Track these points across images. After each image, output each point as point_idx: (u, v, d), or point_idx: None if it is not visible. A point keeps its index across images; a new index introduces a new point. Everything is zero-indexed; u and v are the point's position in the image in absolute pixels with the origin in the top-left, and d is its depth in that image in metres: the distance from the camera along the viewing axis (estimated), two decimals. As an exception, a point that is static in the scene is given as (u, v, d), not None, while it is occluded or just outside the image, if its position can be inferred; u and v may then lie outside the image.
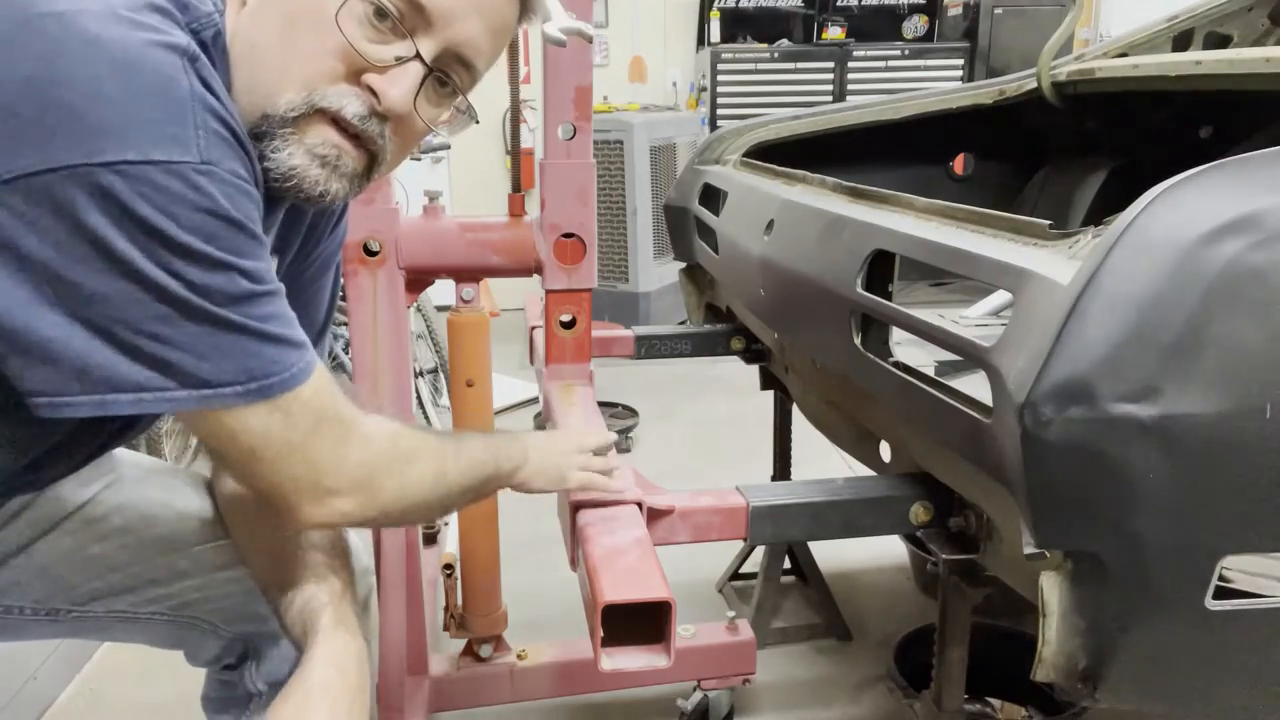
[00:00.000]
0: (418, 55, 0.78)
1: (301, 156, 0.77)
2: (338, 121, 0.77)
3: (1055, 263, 0.85)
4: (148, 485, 1.02)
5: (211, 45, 0.74)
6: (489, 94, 0.86)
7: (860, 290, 1.13)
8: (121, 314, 0.66)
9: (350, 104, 0.77)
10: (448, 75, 0.81)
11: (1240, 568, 1.05)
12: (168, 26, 0.69)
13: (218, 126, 0.69)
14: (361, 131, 0.78)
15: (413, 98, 0.78)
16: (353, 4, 0.75)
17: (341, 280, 1.19)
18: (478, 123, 0.89)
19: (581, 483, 1.07)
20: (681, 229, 2.01)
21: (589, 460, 1.09)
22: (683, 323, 2.25)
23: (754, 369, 1.99)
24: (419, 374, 3.16)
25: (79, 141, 0.63)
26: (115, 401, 0.69)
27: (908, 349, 1.22)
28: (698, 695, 1.72)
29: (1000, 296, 1.91)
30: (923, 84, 4.71)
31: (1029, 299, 0.84)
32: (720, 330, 1.95)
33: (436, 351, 3.23)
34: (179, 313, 0.68)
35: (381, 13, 0.76)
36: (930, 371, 1.10)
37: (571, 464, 1.07)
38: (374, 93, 0.77)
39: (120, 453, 1.02)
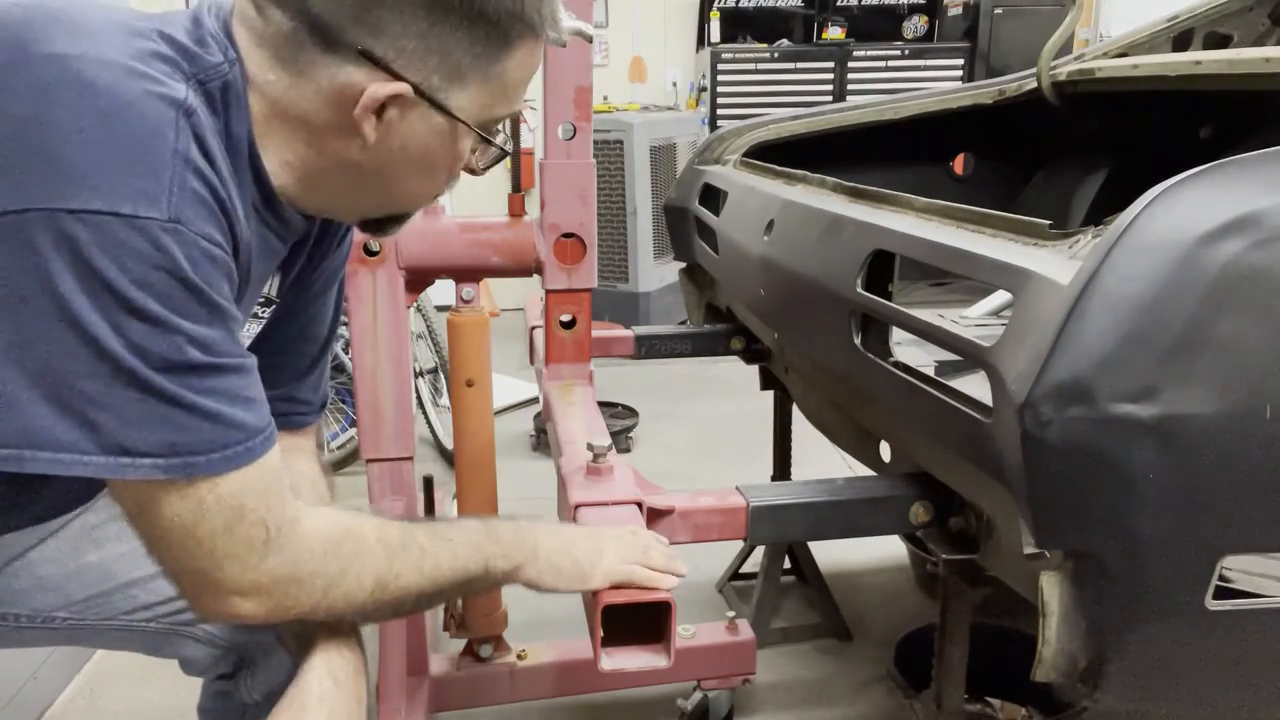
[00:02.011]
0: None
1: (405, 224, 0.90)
2: None
3: (1055, 263, 0.85)
4: None
5: (219, 97, 0.72)
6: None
7: (860, 290, 1.13)
8: (56, 364, 0.64)
9: (452, 183, 0.87)
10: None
11: (1240, 568, 1.05)
12: (170, 77, 0.69)
13: (198, 186, 0.67)
14: None
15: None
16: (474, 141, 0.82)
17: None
18: (508, 154, 0.93)
19: (616, 579, 0.93)
20: (681, 229, 2.01)
21: (634, 565, 0.95)
22: (683, 323, 2.25)
23: (754, 369, 1.99)
24: (419, 374, 3.16)
25: (52, 184, 0.62)
26: (33, 459, 0.66)
27: (908, 349, 1.22)
28: (698, 695, 1.72)
29: (1000, 296, 1.91)
30: (923, 84, 4.71)
31: (1029, 299, 0.84)
32: (720, 330, 1.95)
33: (436, 351, 3.23)
34: (114, 372, 0.65)
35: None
36: (930, 371, 1.10)
37: (602, 564, 0.94)
38: (468, 168, 0.86)
39: None
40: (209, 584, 0.75)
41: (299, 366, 1.04)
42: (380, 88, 0.73)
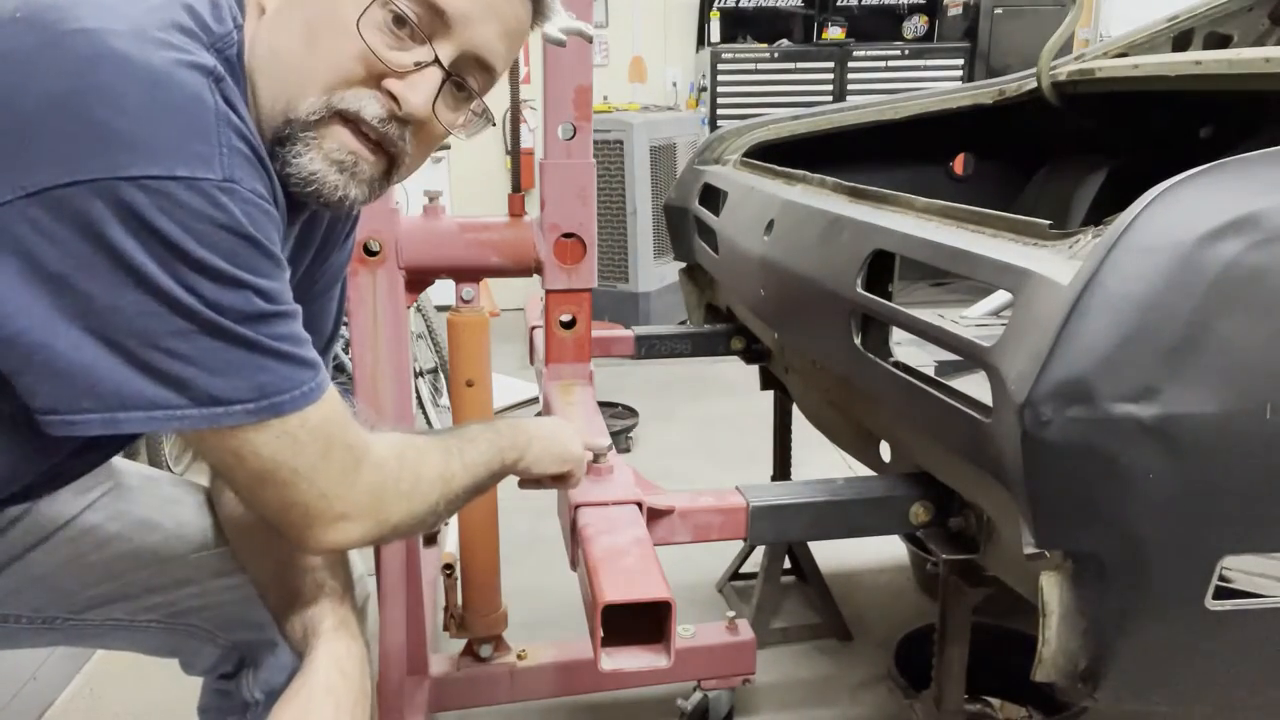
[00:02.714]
0: (436, 60, 0.78)
1: (320, 162, 0.78)
2: (357, 126, 0.78)
3: (1055, 263, 0.85)
4: (145, 493, 1.02)
5: (236, 64, 0.74)
6: (489, 94, 0.87)
7: (860, 290, 1.13)
8: (136, 327, 0.66)
9: (369, 106, 0.77)
10: (465, 80, 0.82)
11: (1240, 568, 1.05)
12: (194, 47, 0.70)
13: (241, 145, 0.70)
14: (382, 135, 0.79)
15: (432, 102, 0.79)
16: (373, 11, 0.75)
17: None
18: (494, 125, 0.90)
19: (588, 448, 1.09)
20: (681, 229, 2.01)
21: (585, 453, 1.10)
22: (683, 323, 2.25)
23: (754, 369, 1.99)
24: (419, 374, 3.16)
25: (104, 155, 0.63)
26: (127, 419, 0.68)
27: (908, 349, 1.22)
28: (698, 695, 1.72)
29: (1000, 296, 1.91)
30: (923, 84, 4.71)
31: (1029, 299, 0.84)
32: (720, 330, 1.95)
33: (436, 351, 3.23)
34: (194, 328, 0.67)
35: (400, 19, 0.76)
36: (930, 371, 1.10)
37: (575, 446, 1.06)
38: (394, 98, 0.78)
39: (118, 461, 1.02)
40: (315, 514, 0.79)
41: None
42: None
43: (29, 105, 0.64)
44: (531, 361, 1.77)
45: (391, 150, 0.80)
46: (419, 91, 0.78)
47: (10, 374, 0.69)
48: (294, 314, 0.75)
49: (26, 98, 0.64)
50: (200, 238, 0.66)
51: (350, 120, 0.77)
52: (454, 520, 1.91)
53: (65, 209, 0.63)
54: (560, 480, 1.06)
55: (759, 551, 2.21)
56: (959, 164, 2.29)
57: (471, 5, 0.78)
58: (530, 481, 1.05)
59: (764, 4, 5.15)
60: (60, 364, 0.66)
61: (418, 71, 0.78)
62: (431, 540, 2.17)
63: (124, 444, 0.95)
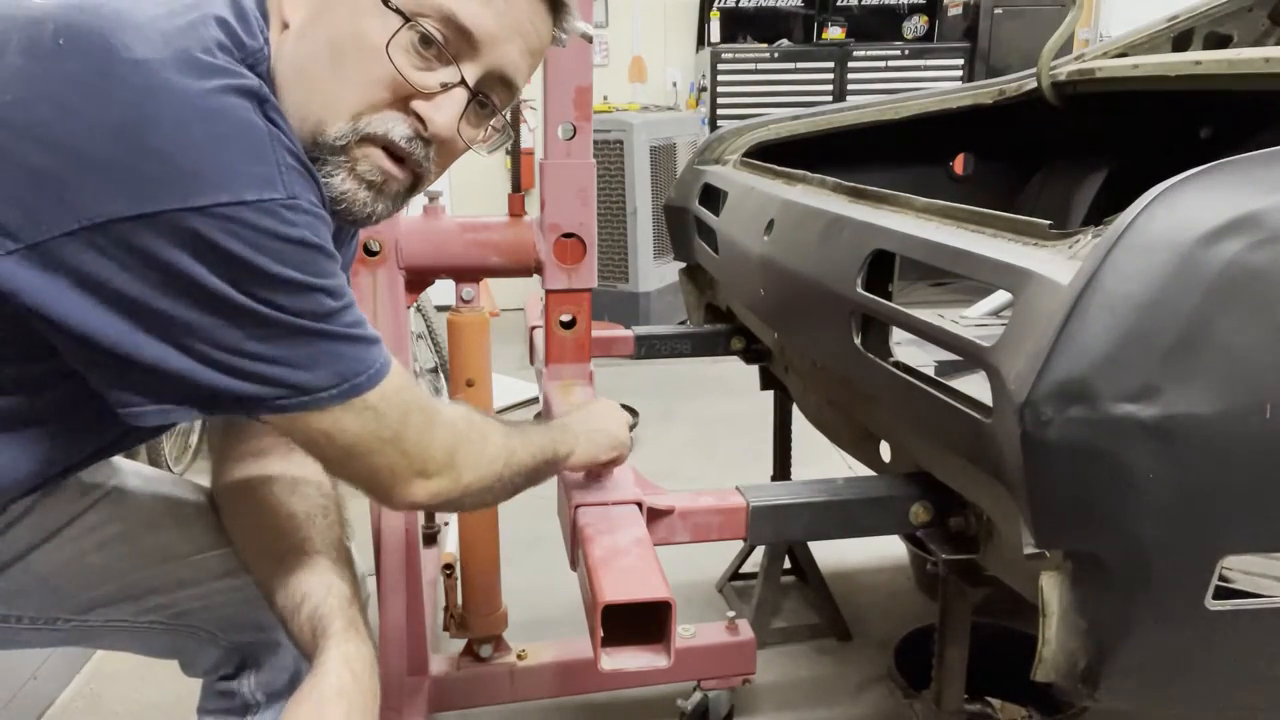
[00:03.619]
0: (462, 81, 0.80)
1: (351, 182, 0.80)
2: (385, 145, 0.80)
3: (1055, 263, 0.85)
4: (147, 494, 1.02)
5: (268, 79, 0.76)
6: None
7: (860, 290, 1.13)
8: (217, 339, 0.71)
9: (397, 128, 0.79)
10: (489, 98, 0.84)
11: (1240, 568, 1.05)
12: (235, 66, 0.72)
13: (292, 161, 0.73)
14: (407, 154, 0.81)
15: (457, 123, 0.81)
16: (400, 33, 0.76)
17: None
18: (514, 138, 0.91)
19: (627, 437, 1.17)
20: (681, 229, 2.01)
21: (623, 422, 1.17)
22: (683, 323, 2.25)
23: (754, 369, 1.99)
24: (419, 374, 3.16)
25: (171, 187, 0.66)
26: (217, 408, 0.75)
27: (908, 349, 1.22)
28: (698, 695, 1.72)
29: (1000, 296, 1.91)
30: (923, 84, 4.71)
31: (1029, 299, 0.84)
32: (720, 330, 1.95)
33: (436, 351, 3.23)
34: (276, 332, 0.72)
35: (427, 40, 0.77)
36: (930, 371, 1.10)
37: (615, 426, 1.14)
38: (420, 118, 0.79)
39: (120, 461, 1.02)
40: (401, 474, 0.86)
41: None
42: None
43: (83, 136, 0.65)
44: (531, 361, 1.77)
45: (417, 170, 0.83)
46: (445, 113, 0.79)
47: (92, 375, 0.73)
48: (354, 300, 0.80)
49: (80, 129, 0.65)
50: (274, 255, 0.70)
51: (379, 141, 0.79)
52: (454, 520, 1.92)
53: (134, 240, 0.66)
54: (610, 463, 1.14)
55: (759, 551, 2.21)
56: (959, 164, 2.29)
57: (498, 26, 0.80)
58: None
59: (764, 4, 5.15)
60: (150, 371, 0.71)
61: (444, 93, 0.79)
62: (431, 540, 2.17)
63: (166, 429, 0.99)
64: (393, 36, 0.76)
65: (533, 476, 1.01)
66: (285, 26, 0.78)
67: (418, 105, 0.79)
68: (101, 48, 0.67)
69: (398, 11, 0.76)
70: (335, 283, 0.76)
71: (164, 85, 0.66)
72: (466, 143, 0.84)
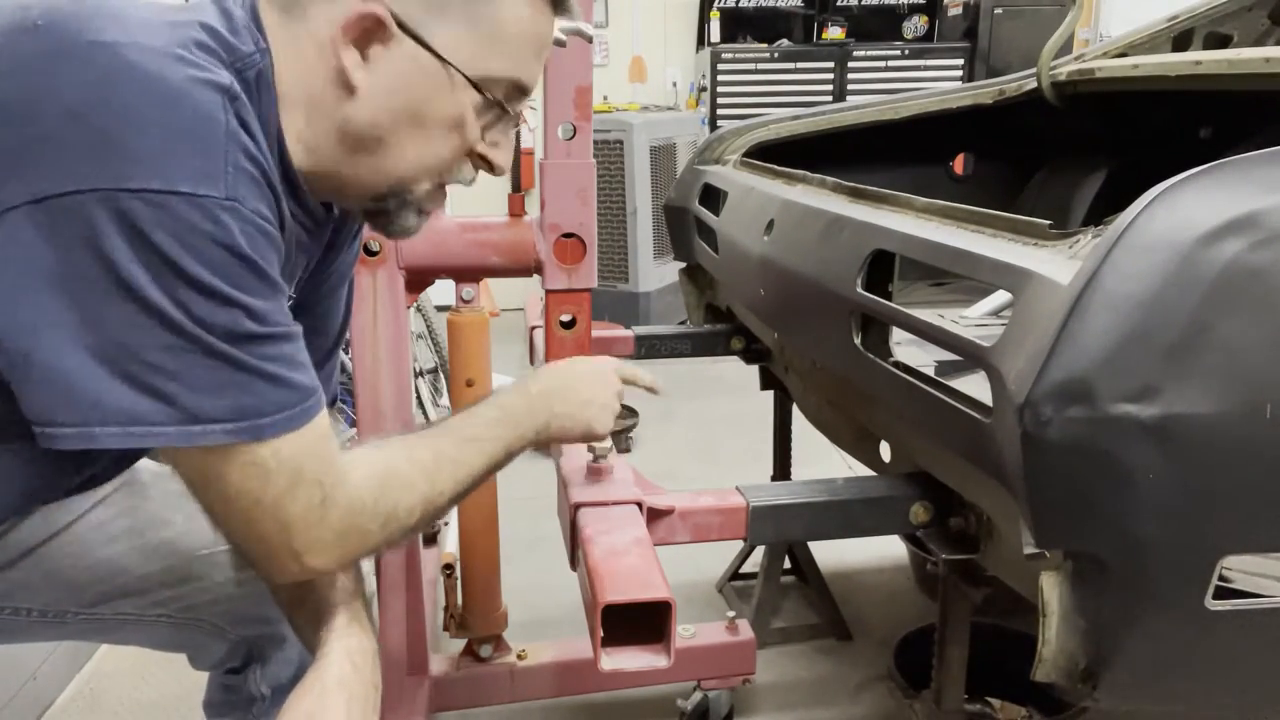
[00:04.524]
0: (514, 118, 0.88)
1: (416, 219, 0.89)
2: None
3: (1055, 263, 0.85)
4: (156, 488, 1.02)
5: (254, 86, 0.75)
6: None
7: (860, 290, 1.13)
8: (121, 338, 0.67)
9: (466, 173, 0.88)
10: (519, 113, 0.90)
11: (1240, 568, 1.05)
12: (212, 64, 0.71)
13: (248, 166, 0.70)
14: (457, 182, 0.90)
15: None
16: (475, 102, 0.83)
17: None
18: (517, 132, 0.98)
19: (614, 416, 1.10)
20: (681, 229, 2.01)
21: (616, 396, 1.10)
22: (683, 323, 2.25)
23: (754, 369, 1.99)
24: (419, 374, 3.15)
25: (110, 166, 0.64)
26: (103, 434, 0.68)
27: (908, 349, 1.22)
28: (698, 695, 1.72)
29: (1000, 296, 1.91)
30: (923, 84, 4.71)
31: (1029, 299, 0.84)
32: (720, 330, 1.95)
33: (436, 351, 3.23)
34: (180, 343, 0.68)
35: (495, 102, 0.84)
36: (930, 371, 1.10)
37: (595, 413, 1.07)
38: (487, 161, 0.88)
39: None
40: (278, 547, 0.78)
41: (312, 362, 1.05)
42: (352, 6, 0.75)
43: (46, 114, 0.65)
44: (531, 361, 1.77)
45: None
46: (505, 153, 0.88)
47: (12, 383, 0.70)
48: (287, 336, 0.75)
49: (43, 107, 0.65)
50: (195, 253, 0.66)
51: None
52: (454, 520, 1.92)
53: (69, 215, 0.64)
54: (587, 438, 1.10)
55: (759, 551, 2.21)
56: (959, 164, 2.29)
57: (540, 68, 0.87)
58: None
59: (764, 4, 5.14)
60: (42, 372, 0.67)
61: (504, 136, 0.88)
62: (431, 540, 2.17)
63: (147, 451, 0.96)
64: (472, 108, 0.83)
65: (476, 485, 0.96)
66: (350, 90, 0.78)
67: (483, 149, 0.86)
68: (74, 29, 0.67)
69: (475, 87, 0.81)
70: (261, 305, 0.71)
71: (125, 67, 0.66)
72: None
